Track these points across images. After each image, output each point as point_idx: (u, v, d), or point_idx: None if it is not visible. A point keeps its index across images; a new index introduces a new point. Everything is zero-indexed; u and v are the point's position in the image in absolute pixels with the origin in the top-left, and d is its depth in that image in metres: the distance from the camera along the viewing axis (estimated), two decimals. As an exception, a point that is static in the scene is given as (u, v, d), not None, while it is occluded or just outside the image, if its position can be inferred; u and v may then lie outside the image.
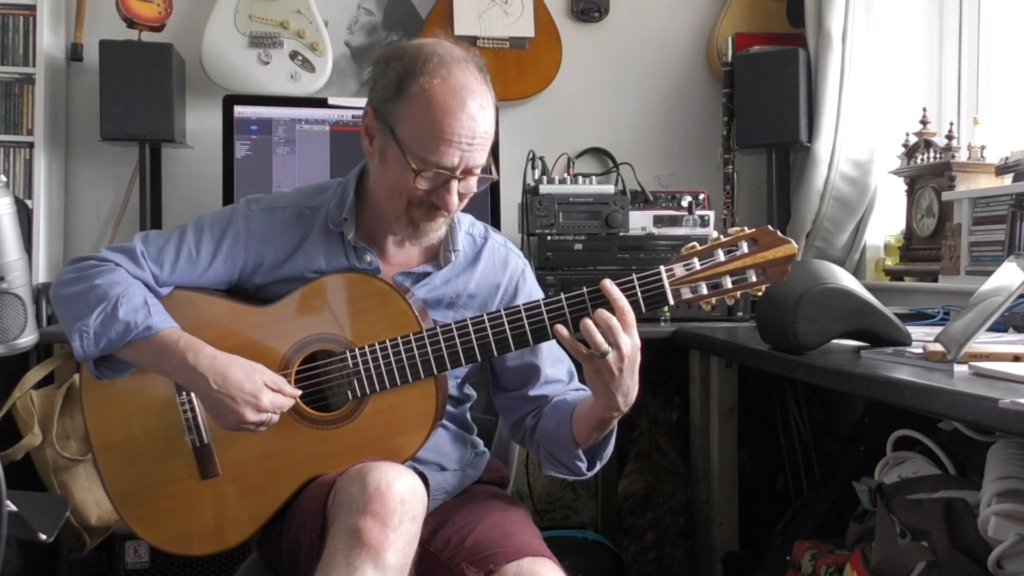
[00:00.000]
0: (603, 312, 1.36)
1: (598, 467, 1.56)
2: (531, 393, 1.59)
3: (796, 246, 1.41)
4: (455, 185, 1.44)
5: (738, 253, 1.40)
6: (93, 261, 1.51)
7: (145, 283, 1.51)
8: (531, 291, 1.65)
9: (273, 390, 1.44)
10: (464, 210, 1.66)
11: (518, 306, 1.45)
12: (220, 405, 1.42)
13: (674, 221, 2.69)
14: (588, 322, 1.36)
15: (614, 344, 1.35)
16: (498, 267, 1.63)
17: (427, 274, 1.58)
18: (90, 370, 1.50)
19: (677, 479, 2.61)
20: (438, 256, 1.59)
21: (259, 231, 1.56)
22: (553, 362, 1.60)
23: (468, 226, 1.63)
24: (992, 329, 1.51)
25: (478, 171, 1.46)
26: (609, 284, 1.38)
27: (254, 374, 1.43)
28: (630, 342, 1.36)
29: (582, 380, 1.62)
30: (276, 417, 1.45)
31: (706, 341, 2.21)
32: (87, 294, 1.46)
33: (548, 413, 1.57)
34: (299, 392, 1.48)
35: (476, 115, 1.41)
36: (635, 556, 2.58)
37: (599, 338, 1.35)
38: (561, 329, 1.38)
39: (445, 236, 1.56)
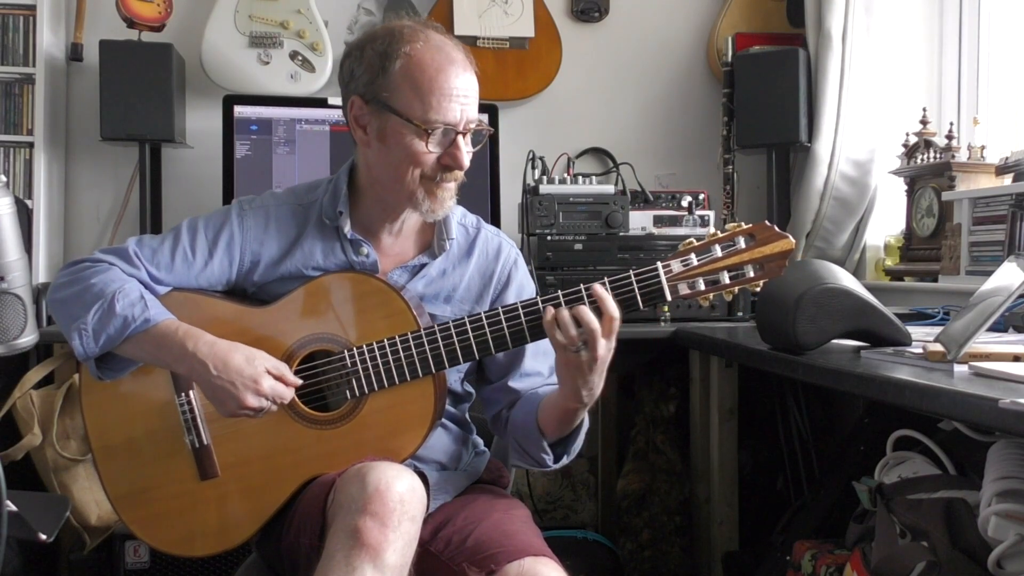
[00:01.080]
0: (586, 312, 1.36)
1: (565, 461, 1.57)
2: (510, 384, 1.60)
3: (793, 241, 1.41)
4: (462, 141, 1.47)
5: (735, 248, 1.40)
6: (87, 263, 1.52)
7: (141, 281, 1.51)
8: (523, 280, 1.66)
9: (275, 375, 1.44)
10: (464, 208, 1.67)
11: (515, 304, 1.45)
12: (220, 391, 1.42)
13: (674, 221, 2.69)
14: (566, 316, 1.36)
15: (591, 345, 1.36)
16: (491, 257, 1.64)
17: (424, 265, 1.59)
18: (91, 370, 1.50)
19: (674, 478, 2.61)
20: (432, 246, 1.59)
21: (254, 229, 1.56)
22: (536, 354, 1.61)
23: (461, 217, 1.64)
24: (992, 329, 1.51)
25: (474, 124, 1.49)
26: (601, 289, 1.38)
27: (255, 360, 1.43)
28: (606, 345, 1.37)
29: None
30: (275, 406, 1.44)
31: (706, 341, 2.21)
32: (83, 294, 1.46)
33: (519, 404, 1.58)
34: (300, 381, 1.48)
35: (465, 67, 1.47)
36: (631, 554, 2.58)
37: (573, 332, 1.36)
38: (549, 310, 1.38)
39: (439, 226, 1.57)
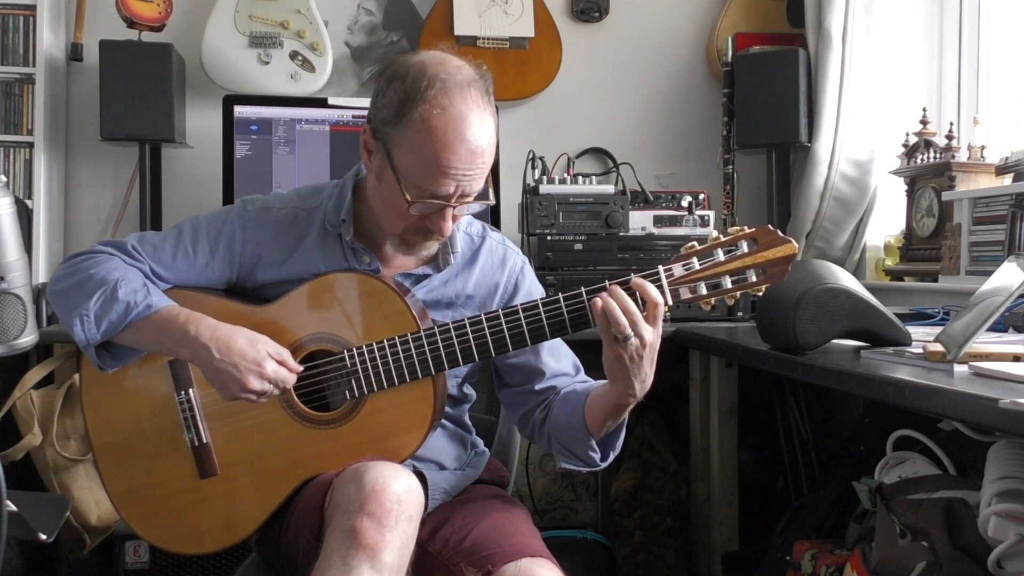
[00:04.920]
0: (627, 299, 1.35)
1: (611, 458, 1.56)
2: (537, 388, 1.58)
3: (796, 246, 1.40)
4: (450, 212, 1.45)
5: (738, 253, 1.39)
6: (87, 254, 1.52)
7: (142, 273, 1.51)
8: (531, 287, 1.65)
9: (277, 361, 1.44)
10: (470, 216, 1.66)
11: (516, 306, 1.44)
12: (223, 374, 1.42)
13: (674, 221, 2.69)
14: (613, 306, 1.35)
15: (636, 332, 1.35)
16: (496, 265, 1.63)
17: (426, 276, 1.58)
18: (92, 359, 1.49)
19: (667, 476, 2.61)
20: (437, 258, 1.58)
21: (255, 231, 1.56)
22: (556, 356, 1.60)
23: (466, 226, 1.63)
24: (992, 329, 1.51)
25: (470, 199, 1.45)
26: (640, 279, 1.37)
27: (257, 343, 1.43)
28: (652, 331, 1.36)
29: (588, 374, 1.61)
30: (277, 390, 1.44)
31: (706, 341, 2.21)
32: (85, 283, 1.47)
33: (558, 405, 1.55)
34: (302, 368, 1.47)
35: (475, 146, 1.40)
36: (625, 558, 2.58)
37: (623, 320, 1.34)
38: (596, 302, 1.36)
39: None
